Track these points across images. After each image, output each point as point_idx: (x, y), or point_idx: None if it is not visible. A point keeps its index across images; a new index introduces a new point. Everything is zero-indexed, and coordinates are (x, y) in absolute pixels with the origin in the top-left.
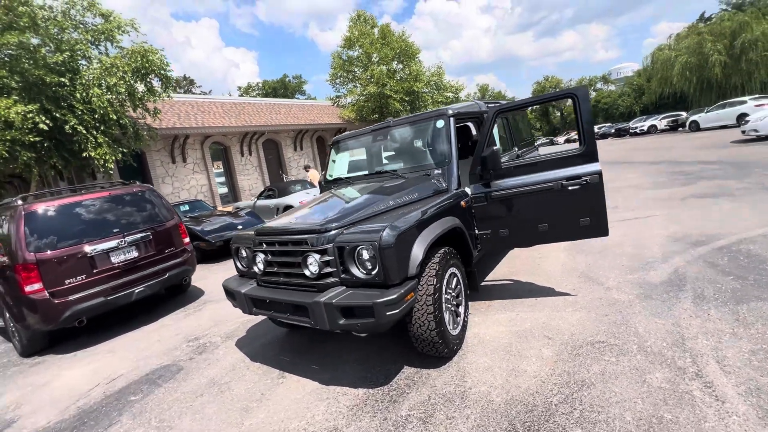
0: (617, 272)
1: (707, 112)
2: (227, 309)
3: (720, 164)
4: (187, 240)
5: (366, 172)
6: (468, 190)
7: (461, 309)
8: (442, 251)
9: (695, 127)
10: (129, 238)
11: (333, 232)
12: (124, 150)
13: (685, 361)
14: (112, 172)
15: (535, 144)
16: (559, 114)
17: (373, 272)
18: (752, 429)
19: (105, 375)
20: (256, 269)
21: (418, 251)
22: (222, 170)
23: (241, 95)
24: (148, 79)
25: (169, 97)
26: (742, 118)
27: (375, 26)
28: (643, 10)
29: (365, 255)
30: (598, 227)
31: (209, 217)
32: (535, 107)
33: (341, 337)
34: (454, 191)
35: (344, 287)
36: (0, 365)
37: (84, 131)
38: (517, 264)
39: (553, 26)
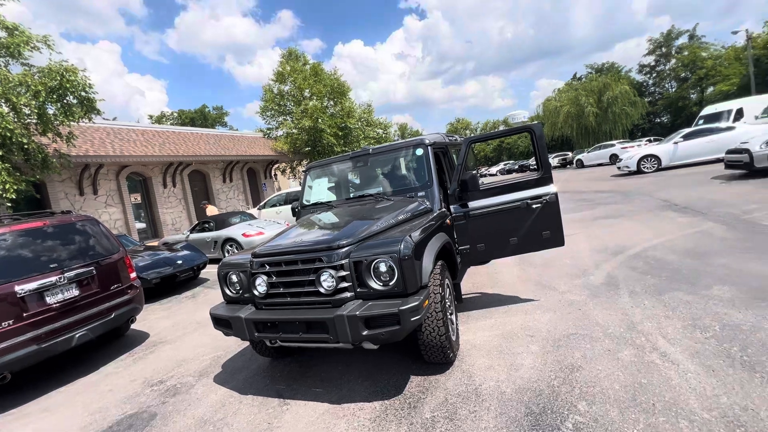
0: (565, 279)
1: (588, 152)
2: (187, 348)
3: (610, 193)
4: (134, 275)
5: (346, 197)
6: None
7: (453, 317)
8: (440, 263)
9: (580, 164)
10: (69, 274)
11: (346, 248)
12: (29, 179)
13: (641, 339)
14: (10, 204)
15: (479, 173)
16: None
17: (391, 283)
18: (703, 380)
19: None
20: (255, 292)
21: (428, 262)
22: (140, 203)
23: (153, 124)
24: (66, 100)
25: (90, 120)
26: (614, 157)
27: (307, 63)
28: (528, 68)
29: (383, 267)
30: (557, 239)
31: (141, 253)
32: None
33: (334, 359)
34: (438, 211)
35: (360, 300)
36: None
37: None
38: (477, 279)
39: (459, 75)
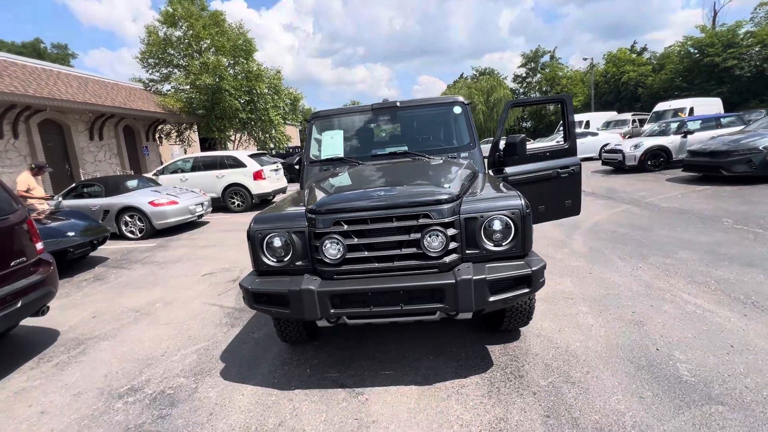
0: (552, 249)
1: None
2: (140, 343)
3: None
4: (40, 246)
5: (367, 154)
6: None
7: None
8: None
9: None
10: None
11: (454, 202)
12: None
13: (668, 295)
14: None
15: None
16: None
17: (505, 243)
18: (744, 321)
19: None
20: (325, 258)
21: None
22: None
23: None
24: None
25: None
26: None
27: (205, 8)
28: (413, 62)
29: (497, 225)
30: (575, 208)
31: None
32: None
33: (379, 339)
34: (483, 173)
35: (470, 263)
36: None
37: None
38: None
39: (348, 59)
